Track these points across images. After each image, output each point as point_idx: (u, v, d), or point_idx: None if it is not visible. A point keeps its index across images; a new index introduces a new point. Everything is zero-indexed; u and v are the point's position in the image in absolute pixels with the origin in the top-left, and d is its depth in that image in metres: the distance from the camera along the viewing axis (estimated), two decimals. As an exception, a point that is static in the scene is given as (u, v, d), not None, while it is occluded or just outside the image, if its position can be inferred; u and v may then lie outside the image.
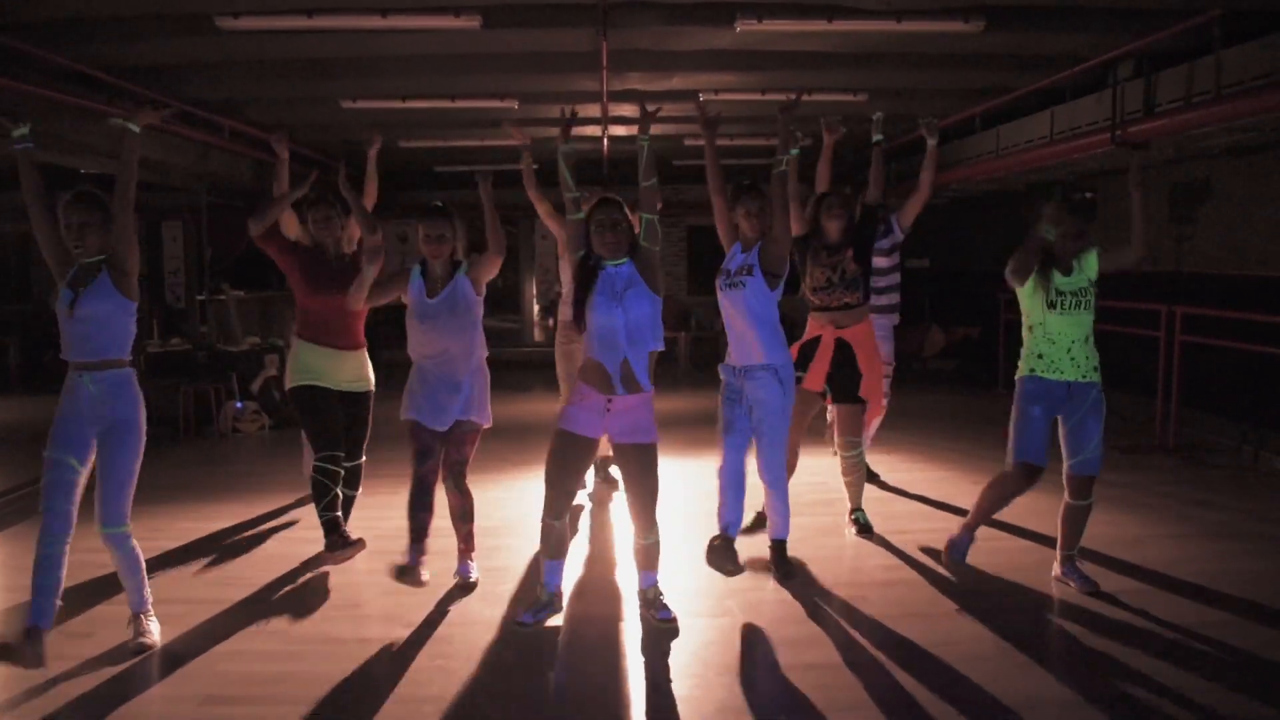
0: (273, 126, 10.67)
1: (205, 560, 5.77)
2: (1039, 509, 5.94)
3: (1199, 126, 7.34)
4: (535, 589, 4.75)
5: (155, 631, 4.47)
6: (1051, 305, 4.84)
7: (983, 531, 5.39)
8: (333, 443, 5.41)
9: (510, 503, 6.92)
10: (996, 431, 5.28)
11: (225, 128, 10.03)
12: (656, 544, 4.65)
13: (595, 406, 4.45)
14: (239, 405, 10.12)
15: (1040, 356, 4.90)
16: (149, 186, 13.77)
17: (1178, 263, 9.73)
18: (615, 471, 7.04)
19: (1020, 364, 4.99)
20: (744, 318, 4.95)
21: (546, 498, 4.56)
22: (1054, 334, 4.86)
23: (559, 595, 4.71)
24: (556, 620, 4.70)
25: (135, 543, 4.37)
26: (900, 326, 7.21)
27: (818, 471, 7.36)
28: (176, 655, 4.36)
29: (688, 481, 7.29)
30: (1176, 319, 8.53)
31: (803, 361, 5.70)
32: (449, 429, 5.02)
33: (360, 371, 5.69)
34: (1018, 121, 10.16)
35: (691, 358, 15.41)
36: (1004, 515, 5.37)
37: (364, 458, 5.88)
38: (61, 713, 3.83)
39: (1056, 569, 5.18)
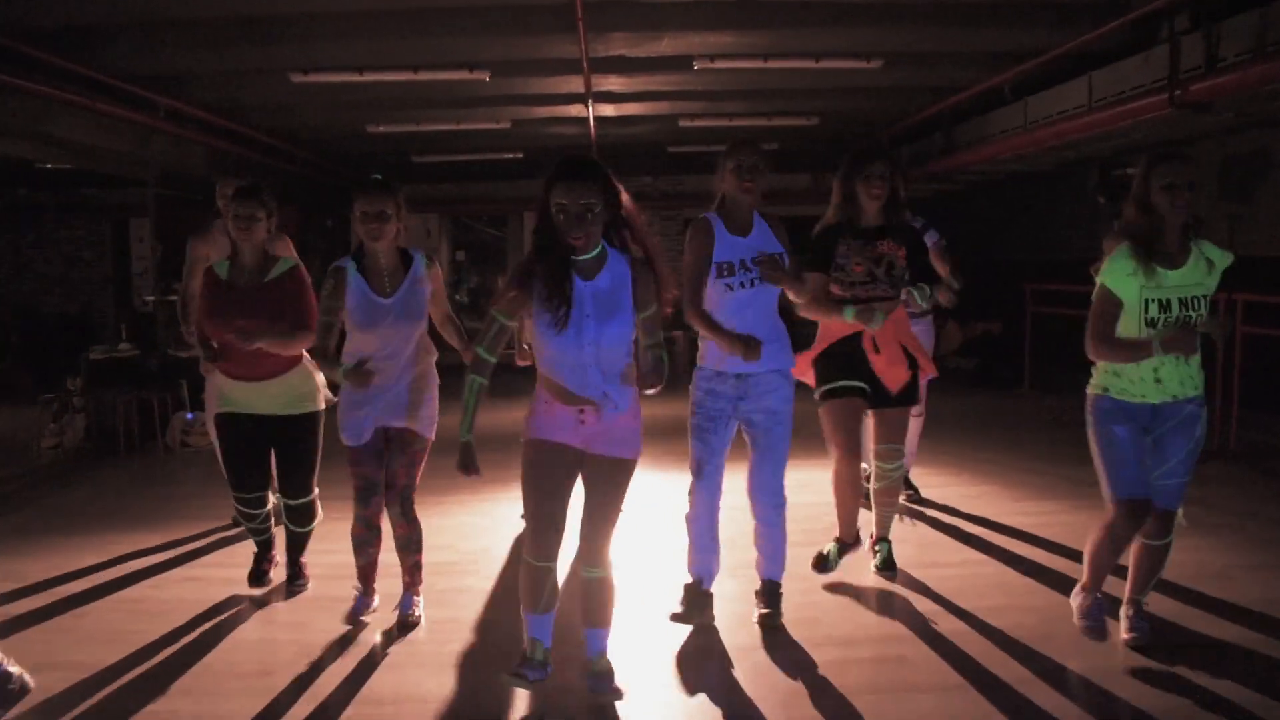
0: (219, 111, 9.84)
1: (106, 609, 4.79)
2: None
3: (1276, 81, 6.29)
4: (524, 645, 3.62)
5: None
6: (1151, 324, 3.66)
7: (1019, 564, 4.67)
8: (239, 483, 4.76)
9: (480, 532, 5.90)
10: (1029, 438, 4.29)
11: (162, 106, 8.97)
12: (608, 581, 3.57)
13: (566, 415, 3.43)
14: (189, 416, 9.16)
15: (1116, 375, 3.82)
16: (115, 182, 12.91)
17: (1233, 245, 8.68)
18: None
19: (1093, 379, 3.92)
20: (760, 313, 4.14)
21: (528, 533, 3.51)
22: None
23: (549, 653, 3.63)
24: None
25: None
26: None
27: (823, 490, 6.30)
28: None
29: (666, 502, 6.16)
30: (1237, 308, 7.55)
31: (840, 366, 4.65)
32: (387, 442, 4.27)
33: (292, 391, 4.73)
34: (1050, 90, 9.11)
35: (691, 358, 14.40)
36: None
37: (312, 493, 4.87)
38: None
39: (1124, 618, 4.06)
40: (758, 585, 4.42)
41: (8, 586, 5.00)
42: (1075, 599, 4.10)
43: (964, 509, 6.20)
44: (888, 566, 4.98)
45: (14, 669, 3.30)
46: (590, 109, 10.58)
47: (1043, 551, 5.36)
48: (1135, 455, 3.77)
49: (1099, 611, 4.02)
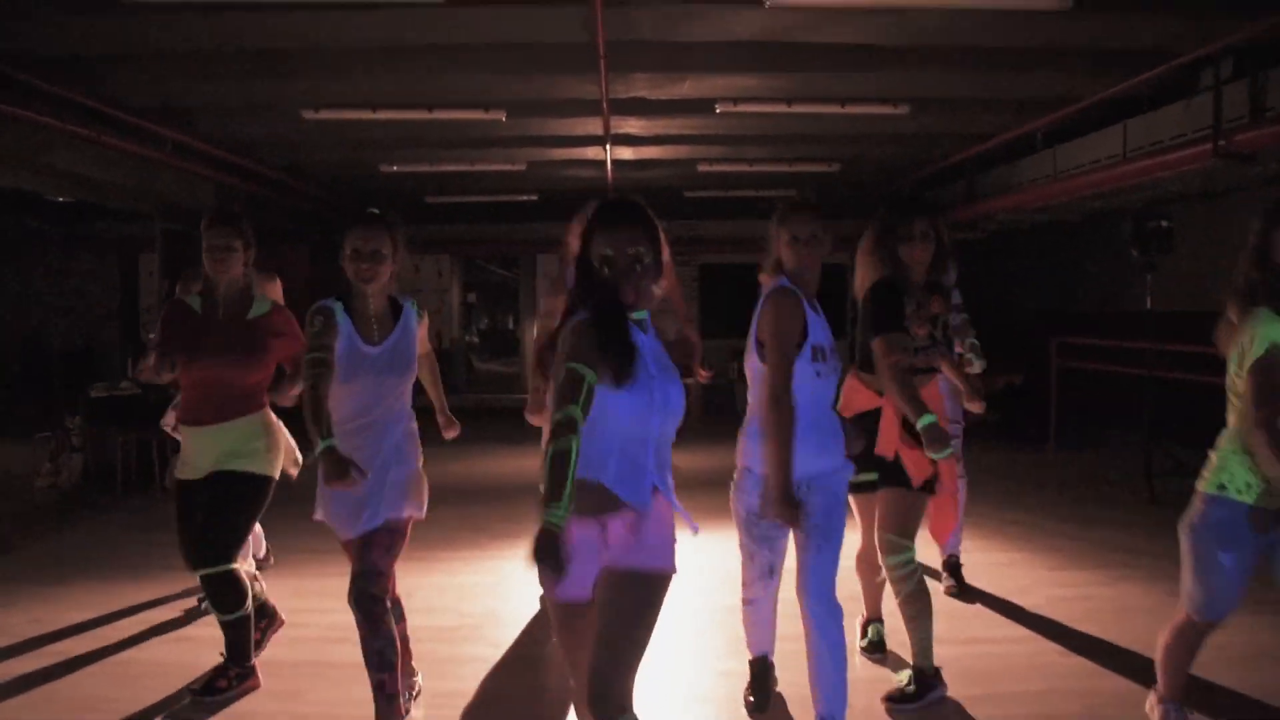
0: (229, 147, 9.66)
1: (91, 672, 4.48)
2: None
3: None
4: None
5: None
6: None
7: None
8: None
9: (484, 592, 5.57)
10: (1058, 498, 3.89)
11: (168, 140, 8.78)
12: None
13: (586, 541, 2.65)
14: (188, 458, 8.89)
15: (1251, 478, 3.20)
16: (129, 216, 12.77)
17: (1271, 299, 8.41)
18: None
19: (1210, 474, 3.32)
20: (832, 407, 3.66)
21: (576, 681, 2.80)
22: None
23: None
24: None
25: None
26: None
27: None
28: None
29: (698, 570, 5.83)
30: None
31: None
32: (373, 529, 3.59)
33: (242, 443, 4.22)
34: (1082, 139, 8.89)
35: (704, 406, 14.04)
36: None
37: (230, 564, 4.16)
38: None
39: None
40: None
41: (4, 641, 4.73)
42: (1153, 711, 3.57)
43: (996, 578, 5.86)
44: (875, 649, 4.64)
45: None
46: (608, 152, 10.38)
47: (1081, 627, 5.01)
48: (1241, 579, 3.27)
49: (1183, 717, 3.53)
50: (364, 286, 3.63)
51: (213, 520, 4.10)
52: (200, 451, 4.16)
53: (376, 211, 3.75)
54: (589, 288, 2.69)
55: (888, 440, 4.01)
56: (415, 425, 3.79)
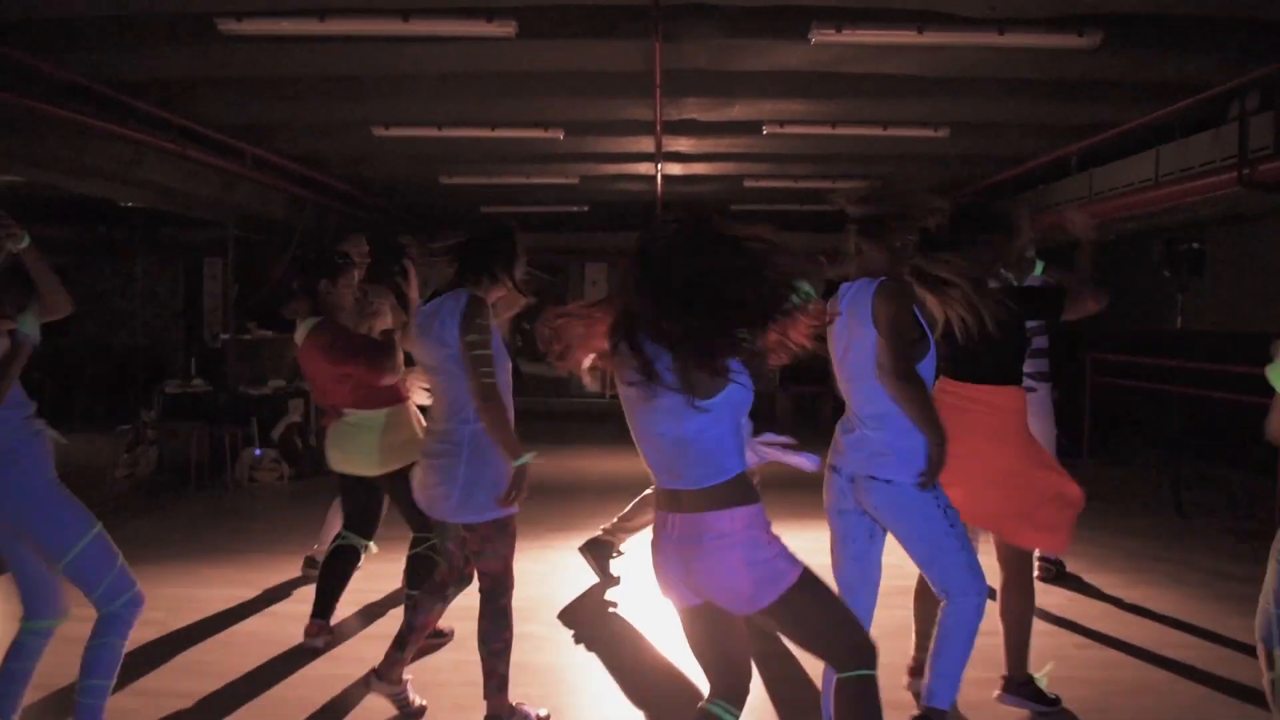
0: (302, 160, 10.22)
1: (183, 638, 4.97)
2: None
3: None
4: None
5: None
6: None
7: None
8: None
9: (536, 579, 5.96)
10: (1088, 507, 4.07)
11: (249, 155, 9.34)
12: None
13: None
14: (257, 452, 9.44)
15: None
16: (192, 222, 13.37)
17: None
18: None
19: None
20: None
21: (854, 645, 2.87)
22: None
23: None
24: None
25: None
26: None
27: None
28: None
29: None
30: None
31: None
32: None
33: None
34: (1117, 163, 9.20)
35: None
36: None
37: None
38: None
39: None
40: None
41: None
42: None
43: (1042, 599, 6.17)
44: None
45: None
46: (659, 168, 10.82)
47: (1098, 625, 5.33)
48: None
49: None
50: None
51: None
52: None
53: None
54: None
55: None
56: None
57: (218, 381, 10.57)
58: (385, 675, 4.00)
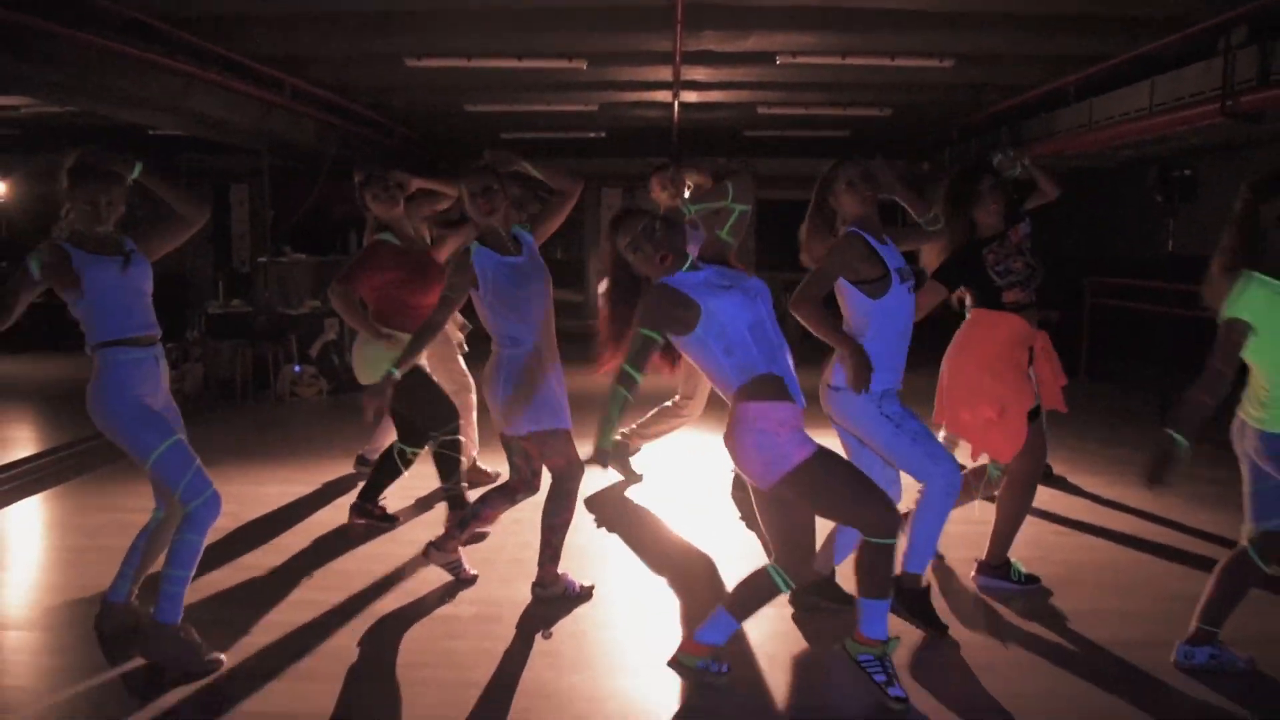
0: (333, 88, 10.61)
1: (257, 525, 5.62)
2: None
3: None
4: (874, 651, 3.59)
5: None
6: None
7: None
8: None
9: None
10: (1081, 419, 4.48)
11: (287, 85, 9.80)
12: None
13: (797, 418, 3.43)
14: (297, 369, 10.02)
15: None
16: (214, 148, 13.77)
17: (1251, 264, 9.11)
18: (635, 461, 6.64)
19: (1268, 415, 3.53)
20: (909, 327, 4.06)
21: (875, 518, 3.41)
22: None
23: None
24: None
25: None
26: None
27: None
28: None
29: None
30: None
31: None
32: None
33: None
34: (1114, 93, 9.59)
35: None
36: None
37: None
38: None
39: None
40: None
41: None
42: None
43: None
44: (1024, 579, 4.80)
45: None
46: (676, 96, 11.22)
47: (1074, 517, 5.97)
48: None
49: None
50: (489, 219, 4.27)
51: None
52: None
53: (483, 162, 4.41)
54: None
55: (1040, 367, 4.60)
56: None
57: (255, 302, 11.09)
58: (441, 546, 4.61)
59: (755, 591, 3.58)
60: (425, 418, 5.13)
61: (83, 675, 3.75)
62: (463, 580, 4.69)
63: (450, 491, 5.14)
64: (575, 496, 4.44)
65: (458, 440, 5.12)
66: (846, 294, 3.96)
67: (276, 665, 3.83)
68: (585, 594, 4.54)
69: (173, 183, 3.99)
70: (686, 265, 3.55)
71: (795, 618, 4.32)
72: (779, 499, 3.42)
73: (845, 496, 3.38)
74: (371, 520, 5.53)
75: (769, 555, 3.63)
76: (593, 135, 14.75)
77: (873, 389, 3.82)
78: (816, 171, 4.23)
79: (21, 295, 3.61)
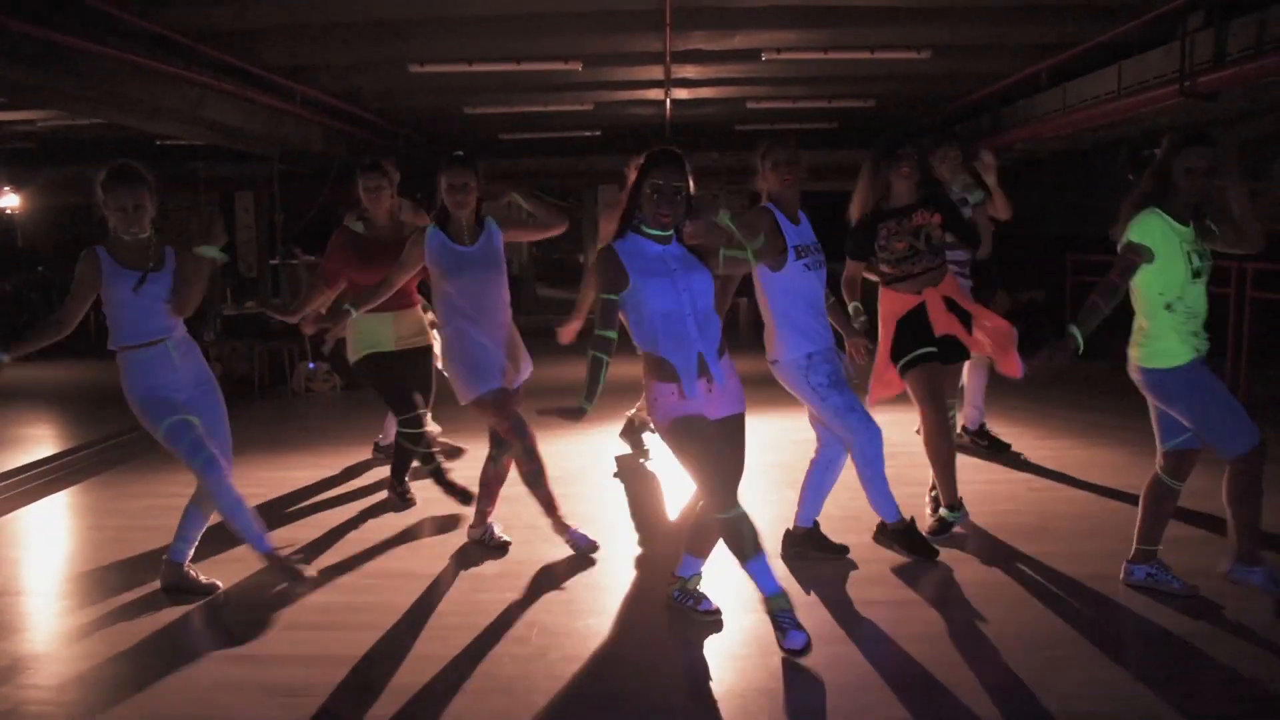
0: (341, 95, 11.03)
1: (286, 502, 6.02)
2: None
3: (1272, 75, 7.20)
4: (766, 608, 3.84)
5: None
6: (1196, 274, 3.92)
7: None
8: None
9: (575, 455, 7.02)
10: (1062, 389, 4.81)
11: (298, 93, 10.24)
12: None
13: (699, 394, 3.75)
14: (311, 365, 10.36)
15: (1195, 334, 3.99)
16: (225, 156, 14.17)
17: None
18: (649, 437, 7.06)
19: (1169, 351, 3.98)
20: (818, 299, 4.55)
21: (713, 491, 3.71)
22: (1194, 307, 3.97)
23: (784, 595, 3.81)
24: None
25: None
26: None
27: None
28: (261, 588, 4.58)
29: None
30: (1248, 275, 8.42)
31: (918, 334, 4.93)
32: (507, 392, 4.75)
33: (420, 327, 5.80)
34: (1085, 78, 10.02)
35: (753, 325, 15.40)
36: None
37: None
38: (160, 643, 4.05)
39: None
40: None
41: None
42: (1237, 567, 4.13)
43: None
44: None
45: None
46: (667, 93, 11.66)
47: (1050, 474, 6.39)
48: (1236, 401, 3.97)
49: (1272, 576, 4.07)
50: (458, 212, 4.63)
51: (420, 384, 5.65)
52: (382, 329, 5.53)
53: (461, 154, 4.66)
54: (630, 211, 3.80)
55: (944, 324, 4.96)
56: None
57: (269, 303, 11.38)
58: (477, 524, 5.12)
59: (702, 532, 4.04)
60: (386, 401, 5.71)
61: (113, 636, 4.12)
62: (494, 546, 5.06)
63: (430, 471, 5.63)
64: (533, 451, 4.76)
65: (417, 432, 5.56)
66: (756, 268, 4.37)
67: (321, 618, 4.27)
68: (592, 547, 4.97)
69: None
70: (661, 233, 3.77)
71: (785, 561, 4.78)
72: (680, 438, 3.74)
73: (694, 470, 3.72)
74: (404, 496, 5.89)
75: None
76: (588, 134, 15.15)
77: (794, 355, 4.42)
78: (806, 162, 4.66)
79: (73, 305, 4.27)
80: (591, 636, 4.00)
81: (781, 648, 3.70)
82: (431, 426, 6.07)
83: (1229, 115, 9.23)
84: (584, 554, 4.92)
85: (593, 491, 6.15)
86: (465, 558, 4.97)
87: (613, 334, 3.72)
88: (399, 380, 5.59)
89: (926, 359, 4.89)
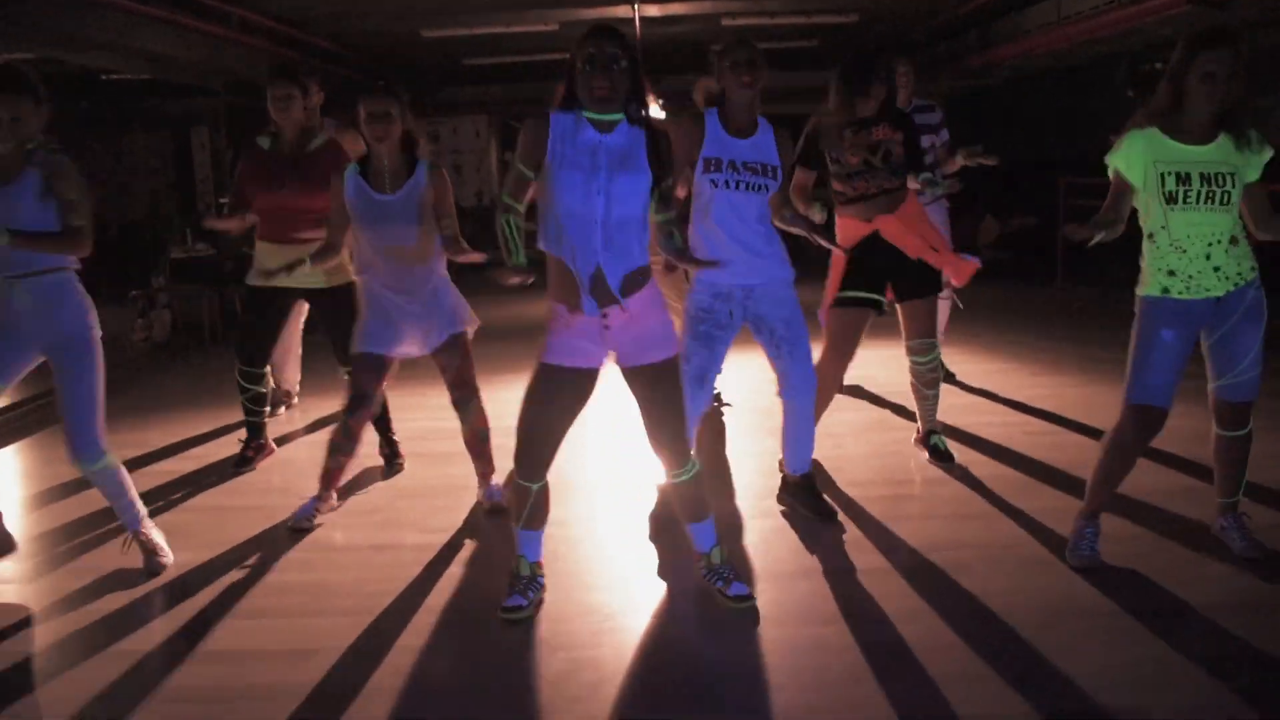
0: (286, 20, 10.34)
1: (222, 471, 5.51)
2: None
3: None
4: (512, 564, 3.65)
5: (161, 542, 4.15)
6: (1171, 199, 3.47)
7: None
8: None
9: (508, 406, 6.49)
10: (1055, 322, 4.53)
11: (235, 17, 9.52)
12: (701, 475, 3.58)
13: (588, 327, 3.35)
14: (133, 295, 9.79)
15: (1172, 274, 3.54)
16: (173, 92, 13.51)
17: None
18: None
19: (1143, 279, 3.65)
20: (752, 219, 4.04)
21: (519, 453, 3.45)
22: (1181, 240, 3.51)
23: (540, 566, 3.67)
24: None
25: (118, 466, 4.01)
26: (951, 215, 6.44)
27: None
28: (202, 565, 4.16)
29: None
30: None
31: (864, 273, 4.58)
32: (441, 349, 4.42)
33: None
34: (1082, -14, 9.41)
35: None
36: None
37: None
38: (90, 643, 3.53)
39: (1217, 521, 3.98)
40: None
41: (135, 452, 5.65)
42: (1075, 525, 3.92)
43: (985, 381, 6.82)
44: (944, 457, 5.07)
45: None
46: (636, 10, 10.97)
47: (1045, 413, 6.02)
48: (1171, 363, 3.57)
49: (1092, 540, 3.84)
50: (378, 146, 4.18)
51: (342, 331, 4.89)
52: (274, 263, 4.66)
53: (384, 81, 4.26)
54: (568, 89, 3.31)
55: (915, 249, 4.59)
56: (447, 274, 4.47)
57: (220, 245, 10.88)
58: (481, 488, 4.76)
59: (681, 494, 3.60)
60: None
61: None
62: (490, 510, 4.63)
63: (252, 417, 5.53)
64: (353, 431, 4.45)
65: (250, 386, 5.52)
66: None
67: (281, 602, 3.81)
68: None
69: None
70: (599, 115, 3.26)
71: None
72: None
73: (521, 416, 3.42)
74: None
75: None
76: (556, 57, 14.46)
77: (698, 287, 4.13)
78: (787, 85, 4.13)
79: None
80: (591, 613, 3.62)
81: None
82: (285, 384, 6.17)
83: (1240, 26, 8.64)
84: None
85: (592, 459, 5.60)
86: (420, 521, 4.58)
87: (519, 205, 3.32)
88: (264, 319, 5.36)
89: (857, 304, 4.60)
